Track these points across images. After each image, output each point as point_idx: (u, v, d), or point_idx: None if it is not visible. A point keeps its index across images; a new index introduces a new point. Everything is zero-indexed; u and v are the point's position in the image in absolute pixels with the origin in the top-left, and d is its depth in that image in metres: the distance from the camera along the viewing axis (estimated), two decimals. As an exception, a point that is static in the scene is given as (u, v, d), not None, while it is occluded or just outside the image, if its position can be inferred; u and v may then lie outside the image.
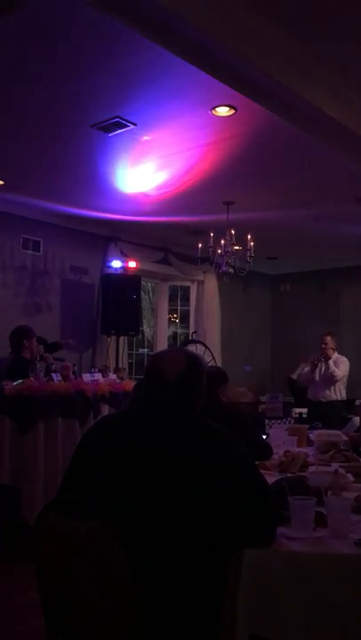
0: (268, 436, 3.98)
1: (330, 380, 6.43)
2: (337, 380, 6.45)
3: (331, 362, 6.43)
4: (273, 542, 1.72)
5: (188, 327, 8.59)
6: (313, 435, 3.83)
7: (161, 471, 1.57)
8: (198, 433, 1.67)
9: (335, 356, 6.51)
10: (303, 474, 2.68)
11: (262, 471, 2.90)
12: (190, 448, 1.61)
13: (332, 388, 6.51)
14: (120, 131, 4.23)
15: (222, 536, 1.59)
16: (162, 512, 1.53)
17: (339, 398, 6.58)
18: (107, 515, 1.51)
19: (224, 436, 1.70)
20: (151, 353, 7.82)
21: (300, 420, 5.61)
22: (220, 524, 1.57)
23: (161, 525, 1.52)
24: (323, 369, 6.52)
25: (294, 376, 7.13)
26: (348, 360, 6.57)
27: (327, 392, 6.52)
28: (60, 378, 4.63)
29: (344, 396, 6.64)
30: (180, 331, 8.75)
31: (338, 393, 6.57)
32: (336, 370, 6.42)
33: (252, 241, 5.87)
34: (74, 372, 5.07)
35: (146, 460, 1.59)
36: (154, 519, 1.53)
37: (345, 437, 3.58)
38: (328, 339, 6.52)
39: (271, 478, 2.53)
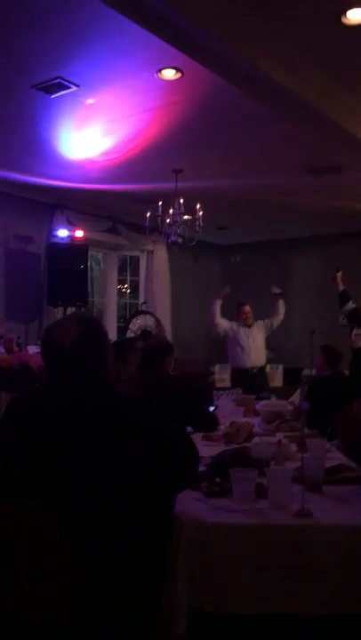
0: (216, 407, 3.98)
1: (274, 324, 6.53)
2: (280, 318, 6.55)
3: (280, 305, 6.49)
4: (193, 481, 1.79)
5: (138, 298, 8.50)
6: (259, 405, 3.87)
7: (76, 445, 1.52)
8: (104, 402, 1.59)
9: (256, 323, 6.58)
10: (248, 445, 2.69)
11: (208, 442, 2.92)
12: (98, 418, 1.55)
13: (260, 354, 6.53)
14: (62, 92, 4.03)
15: (147, 497, 1.55)
16: (88, 487, 1.49)
17: (263, 364, 6.60)
18: (39, 494, 1.48)
19: (133, 400, 1.64)
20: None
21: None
22: (147, 488, 1.54)
23: (90, 500, 1.49)
24: (250, 335, 6.51)
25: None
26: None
27: (258, 358, 6.50)
28: (3, 351, 4.51)
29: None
30: (130, 301, 8.65)
31: (263, 359, 6.57)
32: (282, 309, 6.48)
33: (202, 210, 5.80)
34: (18, 345, 4.94)
35: (60, 437, 1.54)
36: (82, 496, 1.49)
37: (290, 407, 3.62)
38: (247, 308, 6.55)
39: (217, 450, 2.53)
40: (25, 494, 1.52)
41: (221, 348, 7.09)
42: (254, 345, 6.49)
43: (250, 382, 5.75)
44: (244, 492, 1.80)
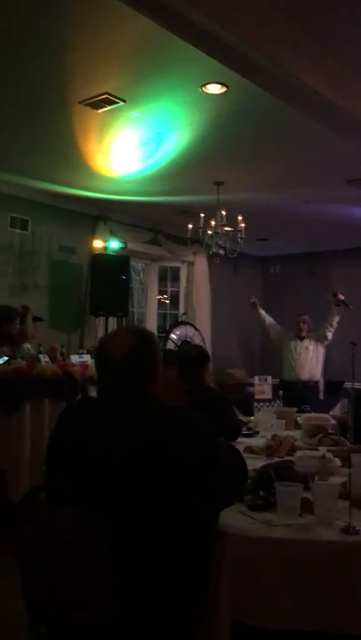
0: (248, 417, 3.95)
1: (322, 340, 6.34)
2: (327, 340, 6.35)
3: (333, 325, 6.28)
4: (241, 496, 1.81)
5: (177, 308, 8.54)
6: (301, 418, 3.82)
7: (118, 455, 1.53)
8: (149, 414, 1.60)
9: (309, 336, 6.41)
10: (290, 458, 2.67)
11: (250, 455, 2.91)
12: (141, 430, 1.56)
13: (309, 368, 6.40)
14: (109, 107, 4.13)
15: (193, 511, 1.56)
16: (129, 495, 1.50)
17: (317, 379, 6.48)
18: (84, 501, 1.49)
19: (177, 414, 1.63)
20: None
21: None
22: (188, 498, 1.53)
23: (132, 509, 1.49)
24: (299, 347, 6.39)
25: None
26: (337, 342, 6.53)
27: (306, 372, 6.38)
28: (47, 359, 4.59)
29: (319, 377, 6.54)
30: (169, 312, 8.70)
31: (317, 373, 6.46)
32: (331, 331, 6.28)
33: (243, 222, 5.81)
34: (62, 354, 5.02)
35: (104, 446, 1.56)
36: (123, 504, 1.50)
37: (333, 421, 3.57)
38: (303, 319, 6.39)
39: (258, 462, 2.52)
40: (70, 501, 1.55)
41: (262, 359, 7.06)
42: (302, 358, 6.34)
43: (295, 396, 5.67)
44: (290, 507, 1.79)
